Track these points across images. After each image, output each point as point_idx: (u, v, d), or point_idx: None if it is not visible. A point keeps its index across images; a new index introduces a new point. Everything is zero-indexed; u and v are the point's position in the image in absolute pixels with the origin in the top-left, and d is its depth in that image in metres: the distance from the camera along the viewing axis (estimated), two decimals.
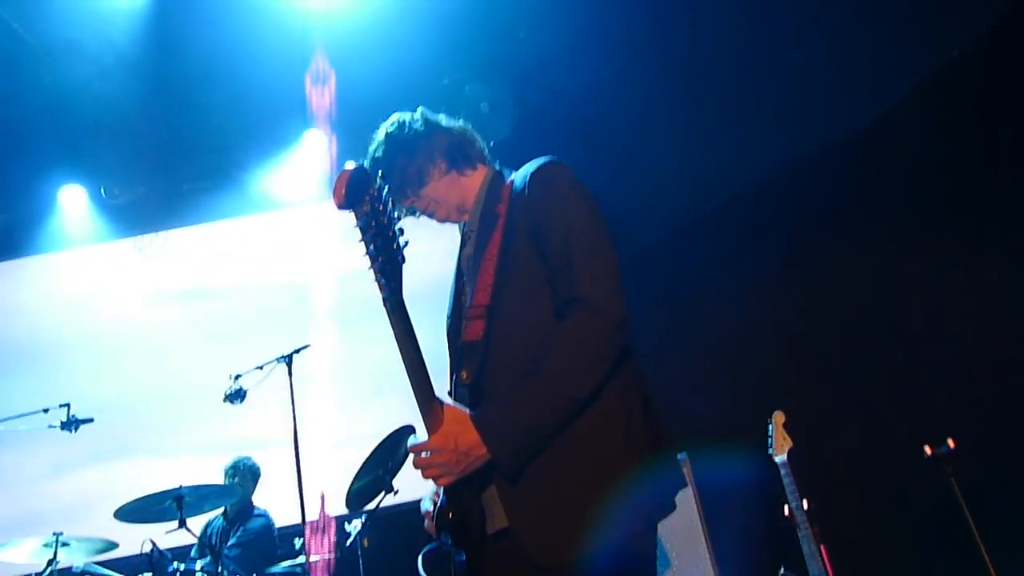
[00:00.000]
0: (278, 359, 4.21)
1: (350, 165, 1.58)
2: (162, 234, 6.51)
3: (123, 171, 6.06)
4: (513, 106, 5.35)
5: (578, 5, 4.97)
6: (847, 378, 4.38)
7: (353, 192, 1.55)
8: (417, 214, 2.11)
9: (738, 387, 4.79)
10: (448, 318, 2.03)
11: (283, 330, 5.83)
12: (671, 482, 1.79)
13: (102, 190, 6.12)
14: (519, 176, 1.96)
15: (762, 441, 3.97)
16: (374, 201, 1.56)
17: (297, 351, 4.27)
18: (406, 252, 1.60)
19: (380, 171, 1.78)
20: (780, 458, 3.89)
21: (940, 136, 4.23)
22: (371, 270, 1.59)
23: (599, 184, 2.06)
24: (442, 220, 2.11)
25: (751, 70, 4.79)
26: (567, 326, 1.71)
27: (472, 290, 1.90)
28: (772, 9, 4.56)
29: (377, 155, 2.07)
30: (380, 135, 2.09)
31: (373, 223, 1.56)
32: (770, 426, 3.99)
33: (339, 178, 1.56)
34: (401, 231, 1.60)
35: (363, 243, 1.58)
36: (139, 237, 6.47)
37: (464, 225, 2.09)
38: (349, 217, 1.58)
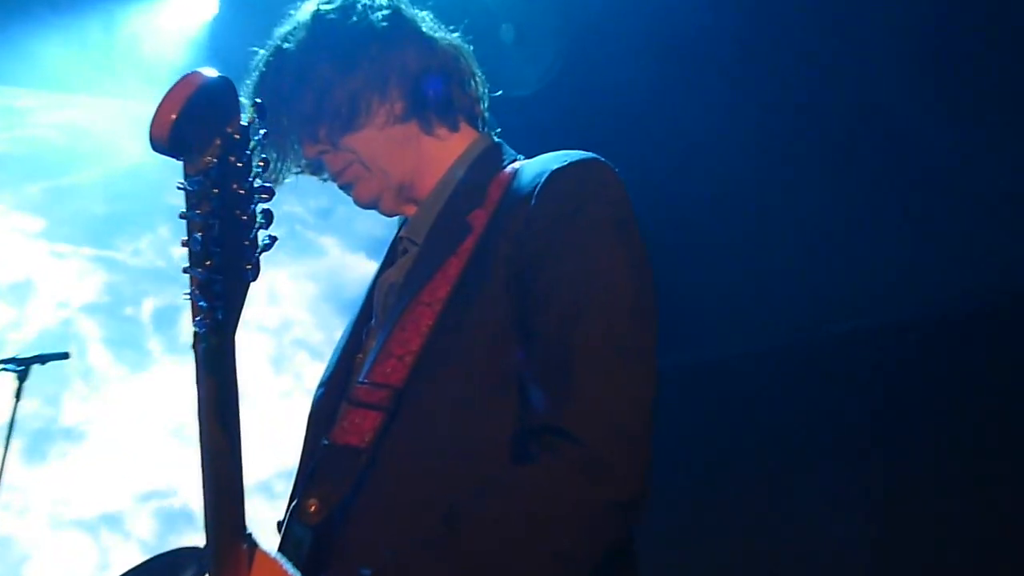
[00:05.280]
0: (4, 364, 3.21)
1: (208, 72, 0.91)
2: None
3: None
4: (556, 49, 3.69)
5: None
6: None
7: (190, 124, 0.89)
8: (324, 176, 1.38)
9: None
10: (321, 385, 1.35)
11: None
12: None
13: None
14: (530, 170, 1.25)
15: None
16: (229, 150, 0.91)
17: (43, 360, 3.28)
18: (266, 257, 0.95)
19: (265, 95, 1.15)
20: None
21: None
22: (188, 276, 0.94)
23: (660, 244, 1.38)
24: (365, 203, 1.36)
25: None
26: (530, 479, 1.07)
27: (379, 351, 1.21)
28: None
29: (287, 47, 1.32)
30: (304, 13, 1.35)
31: (215, 191, 0.91)
32: None
33: (174, 91, 0.88)
34: (268, 216, 0.94)
35: (186, 222, 0.93)
36: None
37: (404, 225, 1.38)
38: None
